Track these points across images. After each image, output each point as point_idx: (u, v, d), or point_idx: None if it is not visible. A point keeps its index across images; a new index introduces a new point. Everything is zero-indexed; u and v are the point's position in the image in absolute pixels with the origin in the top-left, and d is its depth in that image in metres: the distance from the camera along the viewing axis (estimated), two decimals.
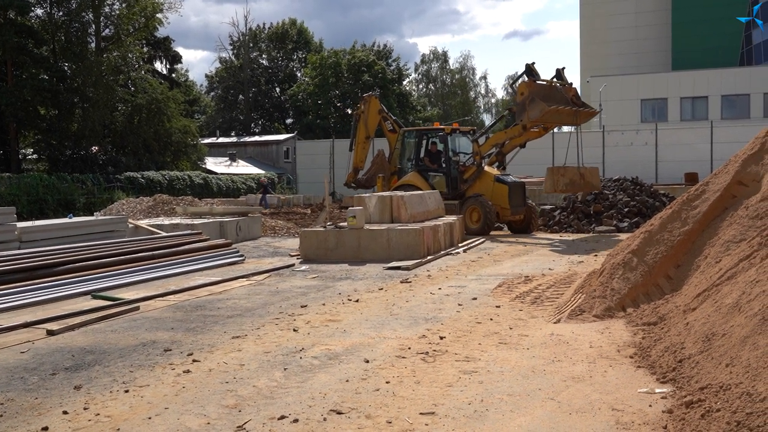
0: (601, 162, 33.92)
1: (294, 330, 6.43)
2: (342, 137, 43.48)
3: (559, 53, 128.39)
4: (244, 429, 3.88)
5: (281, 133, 59.95)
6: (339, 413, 4.07)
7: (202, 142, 46.16)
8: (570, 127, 19.24)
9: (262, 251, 14.12)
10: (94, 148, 37.50)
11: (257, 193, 32.86)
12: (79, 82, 35.43)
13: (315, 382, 4.73)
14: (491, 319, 6.67)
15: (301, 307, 7.66)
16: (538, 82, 16.30)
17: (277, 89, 69.82)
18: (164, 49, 49.52)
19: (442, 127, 18.08)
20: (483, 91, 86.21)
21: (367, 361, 5.21)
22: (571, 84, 17.16)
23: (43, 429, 3.96)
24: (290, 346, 5.81)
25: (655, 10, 51.78)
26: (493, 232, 16.66)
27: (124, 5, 37.85)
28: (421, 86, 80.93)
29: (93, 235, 12.91)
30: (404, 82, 65.97)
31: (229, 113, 66.31)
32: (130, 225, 14.70)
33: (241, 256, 12.38)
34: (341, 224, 12.71)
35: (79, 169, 33.39)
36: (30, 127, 35.18)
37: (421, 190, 16.02)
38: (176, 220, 16.27)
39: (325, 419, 3.99)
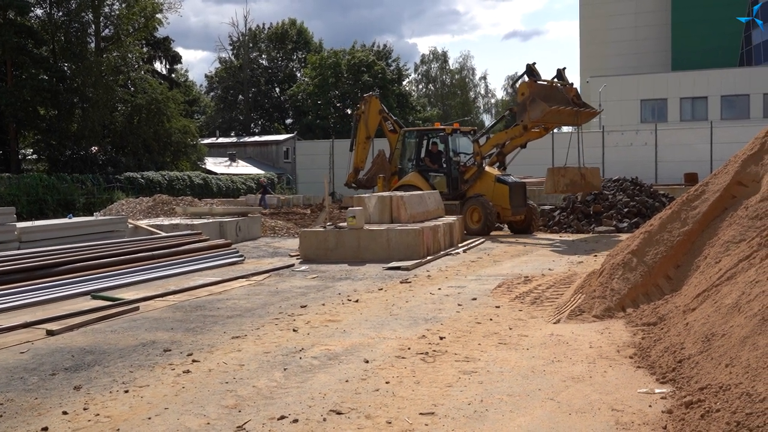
0: (601, 162, 33.88)
1: (294, 330, 6.43)
2: (342, 137, 43.48)
3: (559, 53, 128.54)
4: (244, 429, 3.88)
5: (281, 134, 59.94)
6: (339, 413, 4.07)
7: (201, 142, 46.15)
8: (570, 127, 19.25)
9: (261, 251, 14.12)
10: (94, 149, 37.49)
11: (257, 194, 32.88)
12: (79, 82, 35.43)
13: (315, 382, 4.73)
14: (491, 320, 6.67)
15: (301, 307, 7.66)
16: (539, 82, 16.28)
17: (277, 89, 69.83)
18: (164, 49, 49.53)
19: (442, 127, 18.08)
20: (483, 92, 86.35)
21: (367, 362, 5.21)
22: (572, 84, 17.16)
23: (42, 429, 3.96)
24: (290, 346, 5.81)
25: (655, 11, 51.78)
26: (493, 233, 16.67)
27: (123, 5, 37.86)
28: (420, 86, 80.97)
29: (93, 235, 12.91)
30: (404, 83, 65.99)
31: (229, 113, 66.32)
32: (130, 225, 14.70)
33: (241, 256, 12.38)
34: (341, 224, 12.72)
35: (79, 170, 33.39)
36: (30, 127, 35.17)
37: (421, 190, 16.02)
38: (176, 221, 16.27)
39: (324, 419, 3.99)
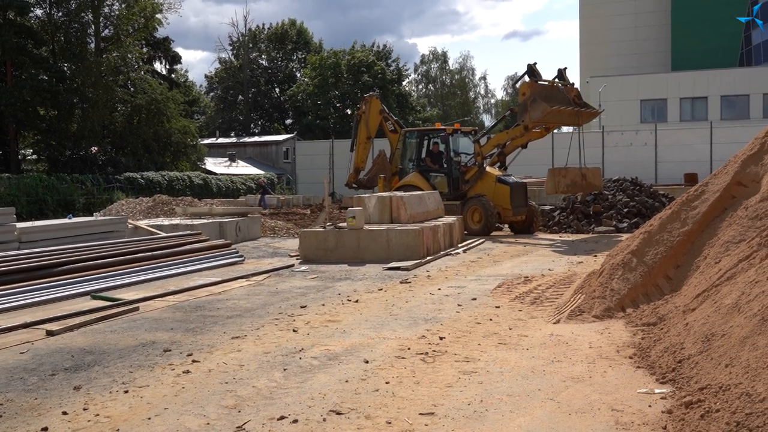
0: (601, 162, 33.86)
1: (293, 330, 6.43)
2: (341, 138, 43.47)
3: (559, 54, 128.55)
4: (244, 429, 3.88)
5: (281, 134, 59.93)
6: (338, 414, 4.07)
7: (201, 142, 46.13)
8: (570, 127, 19.24)
9: (261, 252, 14.12)
10: (94, 149, 37.48)
11: (256, 194, 32.88)
12: (79, 82, 35.42)
13: (314, 382, 4.73)
14: (491, 320, 6.67)
15: (301, 307, 7.66)
16: (539, 82, 16.27)
17: (277, 90, 69.83)
18: (164, 49, 49.50)
19: (443, 127, 18.06)
20: (482, 92, 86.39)
21: (367, 362, 5.21)
22: (573, 84, 17.15)
23: (42, 429, 3.96)
24: (290, 346, 5.81)
25: (655, 11, 51.78)
26: (493, 233, 16.67)
27: (123, 6, 37.84)
28: (420, 87, 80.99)
29: (92, 235, 12.91)
30: (404, 83, 65.98)
31: (229, 114, 66.32)
32: (130, 225, 14.70)
33: (241, 256, 12.38)
34: (341, 225, 12.72)
35: (79, 170, 33.38)
36: (29, 127, 35.16)
37: (422, 190, 16.02)
38: (176, 221, 16.27)
39: (324, 420, 3.99)
